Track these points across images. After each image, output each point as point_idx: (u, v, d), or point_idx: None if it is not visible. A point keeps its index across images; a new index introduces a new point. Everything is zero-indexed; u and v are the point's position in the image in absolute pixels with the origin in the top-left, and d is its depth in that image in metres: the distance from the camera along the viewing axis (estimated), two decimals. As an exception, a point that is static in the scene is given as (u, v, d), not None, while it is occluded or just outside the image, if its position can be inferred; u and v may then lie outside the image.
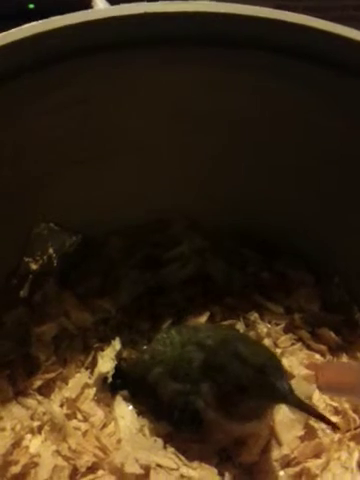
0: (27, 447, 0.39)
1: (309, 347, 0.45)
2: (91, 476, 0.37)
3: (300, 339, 0.46)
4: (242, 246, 0.49)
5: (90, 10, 0.33)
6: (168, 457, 0.38)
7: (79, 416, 0.41)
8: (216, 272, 0.49)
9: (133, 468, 0.36)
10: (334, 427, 0.38)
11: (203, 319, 0.46)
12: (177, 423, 0.39)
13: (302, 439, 0.39)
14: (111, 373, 0.42)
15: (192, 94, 0.39)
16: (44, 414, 0.40)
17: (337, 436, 0.40)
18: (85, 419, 0.41)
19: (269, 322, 0.46)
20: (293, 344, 0.45)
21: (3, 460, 0.37)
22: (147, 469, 0.36)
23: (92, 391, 0.42)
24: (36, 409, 0.41)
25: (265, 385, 0.33)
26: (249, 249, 0.49)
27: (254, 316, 0.46)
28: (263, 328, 0.46)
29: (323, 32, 0.33)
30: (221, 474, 0.37)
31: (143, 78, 0.37)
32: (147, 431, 0.40)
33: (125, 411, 0.41)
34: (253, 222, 0.47)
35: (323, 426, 0.40)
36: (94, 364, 0.43)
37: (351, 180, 0.41)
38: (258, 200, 0.45)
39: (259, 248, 0.49)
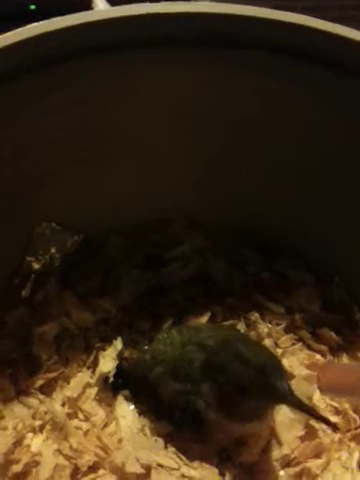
0: (29, 446, 0.39)
1: (310, 347, 0.45)
2: (92, 475, 0.37)
3: (301, 339, 0.46)
4: (242, 246, 0.49)
5: (91, 11, 0.33)
6: (169, 457, 0.38)
7: (80, 415, 0.41)
8: (217, 272, 0.49)
9: (134, 468, 0.36)
10: (334, 428, 0.38)
11: (204, 319, 0.46)
12: (178, 423, 0.39)
13: (302, 439, 0.39)
14: (112, 373, 0.42)
15: (192, 94, 0.39)
16: (46, 413, 0.40)
17: (337, 436, 0.40)
18: (86, 418, 0.41)
19: (270, 322, 0.46)
20: (294, 344, 0.45)
21: (5, 459, 0.37)
22: (148, 469, 0.36)
23: (93, 391, 0.42)
24: (38, 408, 0.41)
25: (265, 385, 0.33)
26: (249, 249, 0.49)
27: (255, 316, 0.46)
28: (264, 328, 0.46)
29: (322, 32, 0.33)
30: (222, 474, 0.38)
31: (143, 78, 0.37)
32: (148, 431, 0.40)
33: (126, 411, 0.41)
34: (253, 222, 0.47)
35: (323, 426, 0.40)
36: (95, 364, 0.43)
37: (351, 180, 0.41)
38: (258, 200, 0.45)
39: (259, 248, 0.49)
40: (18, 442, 0.39)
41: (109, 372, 0.42)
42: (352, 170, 0.41)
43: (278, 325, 0.46)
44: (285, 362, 0.43)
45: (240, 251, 0.49)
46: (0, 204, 0.39)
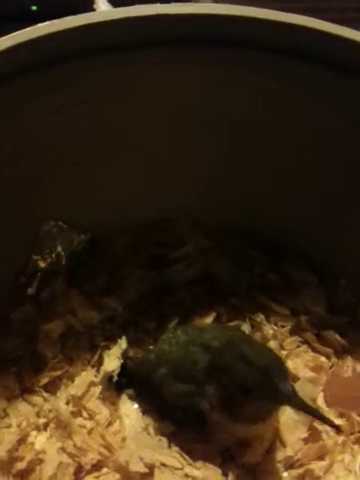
0: (32, 444, 0.39)
1: (314, 349, 0.45)
2: (96, 474, 0.37)
3: (306, 341, 0.46)
4: (248, 247, 0.49)
5: (93, 12, 0.33)
6: (172, 456, 0.38)
7: (84, 414, 0.41)
8: (222, 272, 0.49)
9: (138, 466, 0.36)
10: (338, 430, 0.38)
11: (209, 319, 0.46)
12: (180, 423, 0.39)
13: (306, 441, 0.39)
14: (117, 372, 0.42)
15: (194, 94, 0.39)
16: (50, 411, 0.40)
17: (341, 438, 0.40)
18: (90, 417, 0.41)
19: (275, 324, 0.46)
20: (298, 346, 0.45)
21: (9, 456, 0.37)
22: (151, 468, 0.37)
23: (98, 389, 0.42)
24: (42, 406, 0.41)
25: (269, 387, 0.33)
26: (255, 250, 0.49)
27: (260, 317, 0.46)
28: (269, 330, 0.46)
29: (323, 33, 0.33)
30: (225, 474, 0.38)
31: (145, 78, 0.37)
32: (152, 430, 0.40)
33: (130, 410, 0.41)
34: (255, 222, 0.47)
35: (327, 428, 0.40)
36: (100, 362, 0.43)
37: (351, 180, 0.41)
38: (259, 200, 0.45)
39: (265, 249, 0.49)
40: (22, 440, 0.39)
41: (113, 371, 0.42)
42: (353, 170, 0.41)
43: (283, 327, 0.46)
44: (290, 364, 0.43)
45: (246, 252, 0.49)
46: (4, 204, 0.39)
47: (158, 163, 0.43)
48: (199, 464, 0.38)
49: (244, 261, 0.49)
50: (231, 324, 0.46)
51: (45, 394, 0.42)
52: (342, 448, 0.39)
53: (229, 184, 0.44)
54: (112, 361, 0.43)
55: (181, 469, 0.37)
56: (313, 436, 0.40)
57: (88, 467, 0.37)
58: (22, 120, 0.36)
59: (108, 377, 0.42)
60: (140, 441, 0.39)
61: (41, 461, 0.38)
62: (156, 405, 0.41)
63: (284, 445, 0.39)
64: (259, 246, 0.49)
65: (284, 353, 0.45)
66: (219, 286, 0.49)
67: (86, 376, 0.43)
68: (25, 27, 0.31)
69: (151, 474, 0.36)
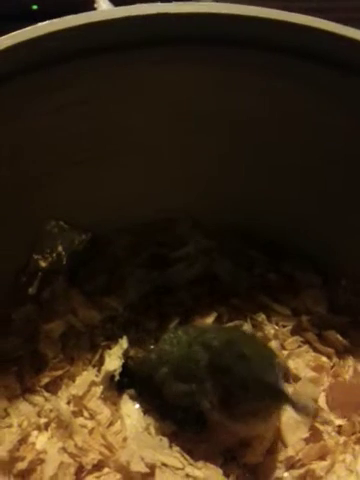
0: (33, 444, 0.39)
1: (316, 349, 0.45)
2: (97, 474, 0.37)
3: (307, 341, 0.46)
4: (248, 247, 0.49)
5: (93, 11, 0.33)
6: (174, 456, 0.38)
7: (85, 414, 0.41)
8: (223, 272, 0.49)
9: (139, 466, 0.36)
10: None
11: (210, 320, 0.46)
12: (180, 423, 0.39)
13: (307, 441, 0.39)
14: (118, 371, 0.42)
15: (194, 94, 0.39)
16: (51, 411, 0.40)
17: (342, 439, 0.40)
18: (91, 417, 0.41)
19: (276, 324, 0.46)
20: (300, 346, 0.45)
21: (10, 456, 0.37)
22: (153, 468, 0.37)
23: (99, 389, 0.42)
24: (43, 406, 0.41)
25: (266, 386, 0.34)
26: (256, 250, 0.49)
27: (261, 317, 0.46)
28: (270, 330, 0.45)
29: (327, 32, 0.33)
30: (226, 474, 0.38)
31: (145, 78, 0.37)
32: (153, 430, 0.40)
33: (131, 410, 0.41)
34: (256, 222, 0.47)
35: (328, 429, 0.40)
36: (101, 362, 0.43)
37: (355, 180, 0.41)
38: (260, 200, 0.45)
39: (266, 249, 0.49)
40: (23, 440, 0.39)
41: (115, 371, 0.42)
42: (357, 170, 0.40)
43: (284, 327, 0.46)
44: (291, 364, 0.44)
45: (246, 252, 0.49)
46: (4, 203, 0.39)
47: (158, 163, 0.43)
48: (200, 464, 0.38)
49: (244, 261, 0.49)
50: (232, 324, 0.46)
51: (46, 394, 0.42)
52: (343, 448, 0.39)
53: (229, 184, 0.44)
54: (113, 361, 0.43)
55: (182, 469, 0.37)
56: (314, 436, 0.40)
57: (89, 467, 0.37)
58: (22, 120, 0.36)
59: (109, 377, 0.42)
60: (141, 441, 0.39)
61: (42, 461, 0.38)
62: (157, 405, 0.41)
63: (285, 445, 0.39)
64: (259, 246, 0.49)
65: (285, 353, 0.44)
66: (220, 286, 0.49)
67: (87, 376, 0.43)
68: (25, 27, 0.31)
69: (152, 474, 0.36)
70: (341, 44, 0.34)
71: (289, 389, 0.42)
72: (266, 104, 0.39)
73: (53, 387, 0.42)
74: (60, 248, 0.46)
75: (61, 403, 0.41)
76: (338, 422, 0.41)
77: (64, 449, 0.38)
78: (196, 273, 0.49)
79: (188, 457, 0.38)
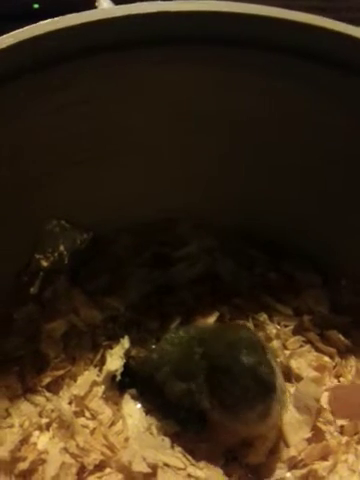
0: (35, 444, 0.39)
1: (318, 349, 0.45)
2: (98, 474, 0.37)
3: (309, 341, 0.46)
4: (249, 246, 0.49)
5: (95, 10, 0.33)
6: (175, 456, 0.38)
7: (87, 414, 0.41)
8: (225, 272, 0.49)
9: (140, 467, 0.36)
10: None
11: (212, 319, 0.46)
12: (183, 422, 0.39)
13: (309, 441, 0.39)
14: (120, 371, 0.42)
15: (195, 94, 0.38)
16: (52, 411, 0.40)
17: (345, 439, 0.40)
18: (93, 417, 0.41)
19: (278, 323, 0.46)
20: (302, 346, 0.45)
21: (11, 456, 0.37)
22: (154, 468, 0.36)
23: (100, 389, 0.42)
24: (44, 406, 0.41)
25: (263, 386, 0.34)
26: (257, 250, 0.49)
27: (263, 317, 0.46)
28: (272, 329, 0.45)
29: (328, 31, 0.33)
30: (228, 475, 0.38)
31: (146, 78, 0.37)
32: (155, 430, 0.40)
33: (133, 409, 0.41)
34: (257, 222, 0.47)
35: (331, 429, 0.40)
36: (103, 362, 0.43)
37: (355, 180, 0.41)
38: (260, 200, 0.45)
39: (267, 249, 0.49)
40: (24, 440, 0.39)
41: (116, 371, 0.42)
42: (357, 170, 0.40)
43: (286, 326, 0.46)
44: (293, 364, 0.43)
45: (246, 251, 0.49)
46: (5, 203, 0.39)
47: (158, 163, 0.43)
48: (202, 464, 0.38)
49: (245, 261, 0.49)
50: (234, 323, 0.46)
51: (47, 394, 0.42)
52: (346, 448, 0.39)
53: (229, 184, 0.44)
54: (115, 361, 0.43)
55: (184, 469, 0.37)
56: (317, 436, 0.39)
57: (91, 467, 0.37)
58: (22, 119, 0.36)
59: (111, 377, 0.42)
60: (143, 441, 0.39)
61: (44, 461, 0.38)
62: (159, 404, 0.41)
63: (287, 445, 0.39)
64: (259, 246, 0.49)
65: (287, 353, 0.44)
66: (221, 286, 0.49)
67: (89, 376, 0.43)
68: (26, 25, 0.31)
69: (154, 474, 0.36)
70: (343, 43, 0.33)
71: (291, 389, 0.42)
72: (266, 104, 0.39)
73: (54, 387, 0.42)
74: (62, 247, 0.46)
75: (62, 403, 0.41)
76: (340, 422, 0.41)
77: (66, 449, 0.38)
78: (198, 272, 0.49)
79: (190, 457, 0.38)
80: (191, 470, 0.37)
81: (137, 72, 0.36)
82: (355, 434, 0.40)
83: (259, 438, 0.38)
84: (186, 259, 0.49)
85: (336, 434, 0.40)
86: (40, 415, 0.41)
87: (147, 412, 0.41)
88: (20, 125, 0.36)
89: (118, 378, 0.42)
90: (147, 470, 0.36)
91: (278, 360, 0.42)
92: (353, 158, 0.40)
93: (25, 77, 0.33)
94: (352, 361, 0.44)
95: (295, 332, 0.46)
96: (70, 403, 0.41)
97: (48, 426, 0.40)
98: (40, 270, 0.45)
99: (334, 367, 0.44)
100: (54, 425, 0.40)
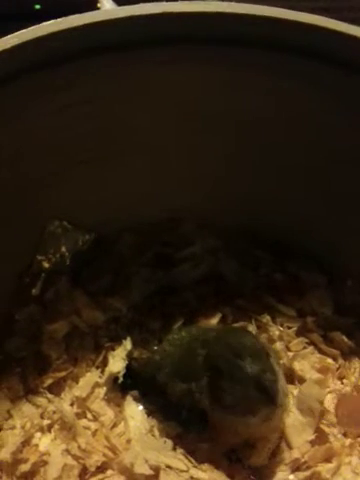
0: (37, 445, 0.39)
1: (321, 351, 0.45)
2: (100, 476, 0.37)
3: (312, 343, 0.45)
4: (254, 247, 0.49)
5: (97, 11, 0.33)
6: (178, 458, 0.38)
7: (89, 415, 0.41)
8: (228, 272, 0.49)
9: (143, 468, 0.36)
10: None
11: (215, 320, 0.46)
12: (185, 423, 0.39)
13: (313, 443, 0.39)
14: (122, 373, 0.42)
15: (201, 94, 0.38)
16: (54, 413, 0.40)
17: (348, 441, 0.40)
18: (95, 418, 0.41)
19: (281, 325, 0.46)
20: (305, 348, 0.45)
21: (13, 458, 0.37)
22: (157, 470, 0.36)
23: (102, 390, 0.42)
24: (46, 407, 0.41)
25: (262, 388, 0.34)
26: (262, 250, 0.49)
27: (266, 318, 0.46)
28: (275, 331, 0.45)
29: (335, 32, 0.33)
30: (230, 476, 0.37)
31: (151, 78, 0.37)
32: (157, 432, 0.40)
33: (135, 411, 0.41)
34: (262, 222, 0.47)
35: (334, 431, 0.40)
36: (105, 363, 0.43)
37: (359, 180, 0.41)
38: (266, 200, 0.45)
39: (272, 249, 0.49)
40: (26, 441, 0.39)
41: (118, 372, 0.42)
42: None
43: (289, 328, 0.46)
44: (296, 365, 0.43)
45: (252, 252, 0.49)
46: (8, 204, 0.38)
47: (164, 163, 0.43)
48: (205, 466, 0.38)
49: (250, 261, 0.49)
50: (237, 325, 0.46)
51: (49, 395, 0.42)
52: (349, 450, 0.39)
53: (235, 184, 0.44)
54: (117, 362, 0.43)
55: (186, 471, 0.37)
56: (320, 438, 0.39)
57: (93, 469, 0.37)
58: (26, 119, 0.36)
59: (113, 378, 0.42)
60: (145, 443, 0.39)
61: (45, 463, 0.38)
62: (161, 405, 0.41)
63: (291, 447, 0.39)
64: (265, 246, 0.49)
65: (290, 354, 0.44)
66: (225, 286, 0.48)
67: (90, 377, 0.43)
68: (28, 26, 0.31)
69: (156, 476, 0.36)
70: (346, 43, 0.33)
71: (294, 391, 0.42)
72: (272, 104, 0.38)
73: (56, 388, 0.42)
74: (64, 248, 0.46)
75: (64, 405, 0.41)
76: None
77: (67, 451, 0.38)
78: (201, 273, 0.49)
79: (192, 459, 0.38)
80: (193, 472, 0.37)
81: (141, 72, 0.36)
82: (359, 436, 0.40)
83: (262, 440, 0.38)
84: (190, 259, 0.49)
85: (340, 436, 0.40)
86: (42, 416, 0.41)
87: (149, 414, 0.41)
88: (24, 125, 0.36)
89: (120, 380, 0.42)
90: (149, 472, 0.36)
91: (281, 362, 0.42)
92: (358, 158, 0.39)
93: (28, 77, 0.33)
94: (356, 363, 0.44)
95: (298, 334, 0.46)
96: (72, 404, 0.41)
97: (50, 428, 0.40)
98: (42, 271, 0.45)
99: (337, 369, 0.44)
100: (56, 427, 0.40)
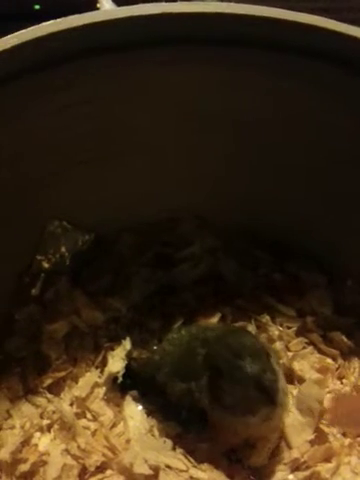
0: (36, 445, 0.39)
1: (320, 351, 0.45)
2: (100, 476, 0.37)
3: (312, 343, 0.45)
4: (254, 247, 0.49)
5: (97, 11, 0.33)
6: (177, 458, 0.38)
7: (88, 415, 0.41)
8: (228, 272, 0.49)
9: (142, 468, 0.36)
10: None
11: (214, 320, 0.46)
12: (185, 423, 0.39)
13: (312, 443, 0.39)
14: (121, 373, 0.42)
15: (200, 94, 0.38)
16: (54, 413, 0.40)
17: (347, 441, 0.40)
18: (94, 418, 0.41)
19: (281, 325, 0.46)
20: (304, 348, 0.45)
21: (12, 458, 0.37)
22: (156, 470, 0.36)
23: (102, 390, 0.42)
24: (46, 407, 0.41)
25: (262, 388, 0.34)
26: (261, 250, 0.49)
27: (266, 318, 0.46)
28: (275, 331, 0.45)
29: (334, 32, 0.33)
30: (230, 476, 0.37)
31: (150, 78, 0.37)
32: (156, 432, 0.40)
33: (134, 411, 0.41)
34: (261, 222, 0.47)
35: (334, 431, 0.40)
36: (104, 363, 0.43)
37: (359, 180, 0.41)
38: (266, 200, 0.45)
39: (271, 249, 0.49)
40: (26, 441, 0.39)
41: (118, 372, 0.42)
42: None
43: (289, 328, 0.46)
44: (296, 365, 0.43)
45: (252, 252, 0.49)
46: (8, 204, 0.38)
47: (164, 163, 0.43)
48: (204, 466, 0.38)
49: (249, 261, 0.49)
50: (236, 325, 0.46)
51: (49, 395, 0.42)
52: (349, 450, 0.39)
53: (235, 184, 0.44)
54: (116, 362, 0.43)
55: (186, 471, 0.37)
56: (319, 438, 0.39)
57: (92, 469, 0.37)
58: (26, 120, 0.36)
59: (112, 378, 0.42)
60: (144, 443, 0.39)
61: (45, 463, 0.38)
62: (161, 405, 0.41)
63: (290, 447, 0.39)
64: (264, 246, 0.49)
65: (290, 354, 0.44)
66: (225, 286, 0.48)
67: (90, 377, 0.43)
68: (28, 27, 0.31)
69: (156, 476, 0.36)
70: (345, 43, 0.33)
71: (294, 391, 0.42)
72: (271, 104, 0.39)
73: (56, 388, 0.42)
74: (63, 249, 0.46)
75: (64, 405, 0.41)
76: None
77: (67, 451, 0.38)
78: (201, 273, 0.49)
79: (192, 459, 0.38)
80: (193, 472, 0.37)
81: (141, 73, 0.36)
82: (358, 436, 0.40)
83: (261, 440, 0.38)
84: (189, 259, 0.49)
85: (339, 436, 0.40)
86: (41, 416, 0.41)
87: (148, 414, 0.41)
88: (24, 125, 0.36)
89: (120, 380, 0.42)
90: (149, 472, 0.36)
91: (280, 362, 0.42)
92: (358, 158, 0.39)
93: (27, 77, 0.33)
94: (355, 363, 0.44)
95: (298, 333, 0.46)
96: (71, 404, 0.41)
97: (49, 427, 0.40)
98: (41, 271, 0.45)
99: (337, 369, 0.44)
100: (55, 426, 0.40)
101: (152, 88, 0.37)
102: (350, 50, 0.34)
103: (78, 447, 0.38)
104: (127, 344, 0.44)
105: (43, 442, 0.39)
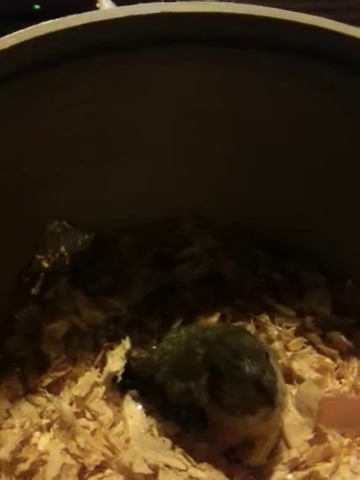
0: (36, 445, 0.39)
1: (320, 351, 0.45)
2: (99, 475, 0.37)
3: (311, 342, 0.45)
4: (254, 247, 0.49)
5: (96, 11, 0.33)
6: (177, 458, 0.38)
7: (88, 415, 0.41)
8: (228, 272, 0.49)
9: (141, 468, 0.36)
10: None
11: (214, 320, 0.46)
12: (184, 422, 0.39)
13: (311, 443, 0.39)
14: (120, 372, 0.42)
15: (200, 94, 0.38)
16: (53, 412, 0.40)
17: (346, 440, 0.39)
18: (94, 418, 0.41)
19: (280, 325, 0.46)
20: (304, 347, 0.45)
21: (12, 457, 0.37)
22: (155, 469, 0.36)
23: (101, 390, 0.42)
24: (45, 407, 0.41)
25: (261, 388, 0.34)
26: (261, 250, 0.49)
27: (265, 318, 0.46)
28: (274, 331, 0.45)
29: (334, 32, 0.33)
30: (229, 476, 0.37)
31: (150, 78, 0.37)
32: (156, 431, 0.40)
33: (134, 411, 0.41)
34: (262, 223, 0.47)
35: (333, 430, 0.40)
36: (104, 363, 0.43)
37: (359, 180, 0.41)
38: (265, 200, 0.45)
39: (271, 249, 0.49)
40: (25, 441, 0.39)
41: (117, 372, 0.42)
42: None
43: (288, 328, 0.46)
44: (295, 365, 0.43)
45: (251, 252, 0.49)
46: (8, 204, 0.39)
47: (164, 163, 0.43)
48: (203, 465, 0.38)
49: (249, 261, 0.49)
50: (236, 325, 0.46)
51: (48, 395, 0.42)
52: (348, 450, 0.39)
53: (234, 184, 0.44)
54: (116, 362, 0.43)
55: (185, 471, 0.37)
56: (318, 438, 0.39)
57: (92, 468, 0.37)
58: (25, 119, 0.36)
59: (112, 378, 0.42)
60: (144, 442, 0.39)
61: (44, 462, 0.38)
62: (160, 405, 0.41)
63: (289, 447, 0.39)
64: (264, 246, 0.49)
65: (289, 354, 0.44)
66: (225, 286, 0.48)
67: (90, 377, 0.43)
68: (27, 26, 0.31)
69: (155, 475, 0.36)
70: (345, 43, 0.33)
71: (293, 390, 0.42)
72: (271, 104, 0.39)
73: (55, 388, 0.42)
74: (63, 248, 0.46)
75: (63, 404, 0.41)
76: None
77: (66, 450, 0.38)
78: (201, 273, 0.49)
79: (191, 458, 0.38)
80: (192, 471, 0.37)
81: (141, 72, 0.36)
82: (357, 436, 0.40)
83: (260, 439, 0.38)
84: (189, 259, 0.49)
85: (338, 436, 0.40)
86: (41, 416, 0.41)
87: (148, 413, 0.41)
88: (23, 125, 0.36)
89: (119, 379, 0.42)
90: (148, 471, 0.36)
91: (280, 362, 0.42)
92: (357, 158, 0.39)
93: (26, 77, 0.33)
94: (354, 362, 0.44)
95: (297, 333, 0.46)
96: (71, 404, 0.41)
97: (49, 427, 0.40)
98: (41, 271, 0.45)
99: (336, 369, 0.44)
100: (55, 426, 0.40)
101: (152, 88, 0.37)
102: (350, 50, 0.34)
103: (77, 446, 0.38)
104: (127, 344, 0.44)
105: (43, 441, 0.39)
